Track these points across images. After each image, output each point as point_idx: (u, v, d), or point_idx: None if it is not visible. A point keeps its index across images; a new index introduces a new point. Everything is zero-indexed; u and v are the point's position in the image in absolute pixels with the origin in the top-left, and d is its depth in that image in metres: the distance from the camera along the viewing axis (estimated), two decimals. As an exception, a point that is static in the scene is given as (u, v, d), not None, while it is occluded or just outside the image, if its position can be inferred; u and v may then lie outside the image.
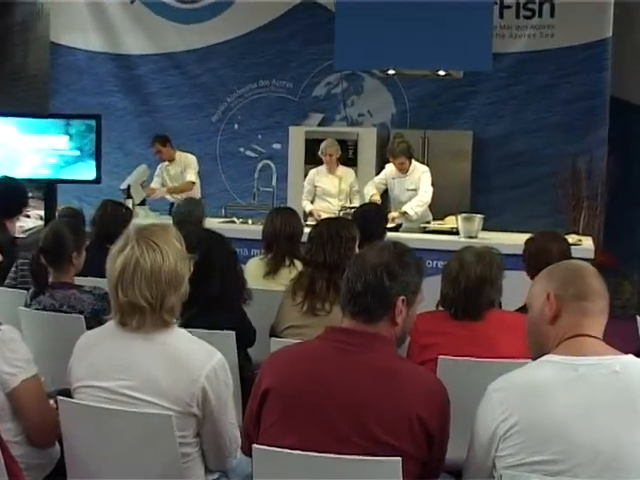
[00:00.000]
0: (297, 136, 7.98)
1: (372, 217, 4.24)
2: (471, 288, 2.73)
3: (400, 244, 2.01)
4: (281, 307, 3.30)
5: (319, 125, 8.40)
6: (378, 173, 6.78)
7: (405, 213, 6.17)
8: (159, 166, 7.45)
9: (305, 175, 7.18)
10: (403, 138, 6.50)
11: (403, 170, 6.32)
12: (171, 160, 7.36)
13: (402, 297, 1.92)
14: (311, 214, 6.67)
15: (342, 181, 6.79)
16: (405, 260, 1.95)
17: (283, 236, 3.94)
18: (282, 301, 3.31)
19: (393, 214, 6.14)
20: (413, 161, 6.38)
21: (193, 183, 7.23)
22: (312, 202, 6.80)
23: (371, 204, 5.21)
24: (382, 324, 1.91)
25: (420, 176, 6.30)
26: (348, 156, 7.59)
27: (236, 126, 8.88)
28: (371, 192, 6.37)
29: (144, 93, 9.08)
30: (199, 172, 7.38)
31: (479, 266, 2.76)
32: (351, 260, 2.00)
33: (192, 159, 7.35)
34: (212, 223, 6.08)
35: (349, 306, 1.94)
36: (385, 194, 6.58)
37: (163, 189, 7.24)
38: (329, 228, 3.28)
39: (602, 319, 1.81)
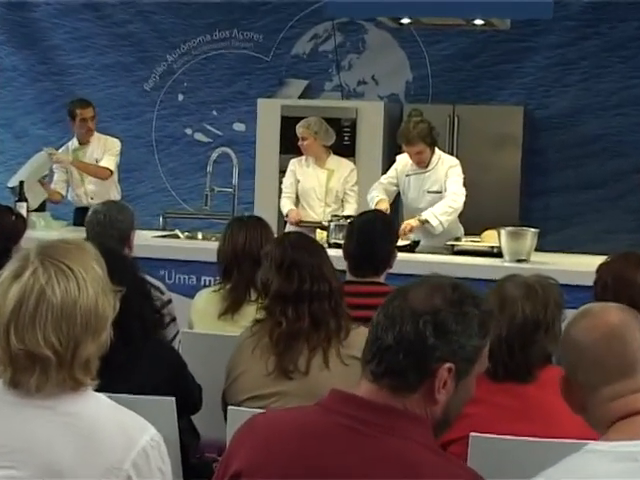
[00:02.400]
0: (269, 112, 8.02)
1: (375, 230, 4.23)
2: (517, 335, 2.76)
3: (463, 287, 2.00)
4: (235, 366, 3.31)
5: (301, 97, 8.45)
6: (387, 168, 6.80)
7: (426, 222, 6.18)
8: (62, 150, 7.35)
9: (281, 169, 7.24)
10: (422, 117, 6.53)
11: (422, 163, 6.34)
12: (85, 142, 7.35)
13: (449, 365, 1.91)
14: (287, 215, 6.75)
15: (332, 177, 6.85)
16: (465, 311, 1.94)
17: (248, 257, 3.98)
18: (236, 357, 3.33)
19: (410, 222, 6.16)
20: (437, 150, 6.40)
21: (110, 172, 7.20)
22: (297, 206, 6.88)
23: (374, 211, 5.20)
24: (416, 398, 1.92)
25: (447, 172, 6.32)
26: (343, 142, 7.62)
27: (181, 97, 8.93)
28: (377, 197, 6.40)
29: (44, 46, 9.11)
30: (119, 166, 7.36)
31: (529, 303, 2.78)
32: (388, 297, 2.00)
33: (115, 144, 7.33)
34: (144, 238, 6.12)
35: (371, 364, 1.94)
36: (397, 200, 6.63)
37: (68, 159, 7.12)
38: (288, 250, 3.35)
39: None
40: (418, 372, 1.90)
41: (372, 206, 6.30)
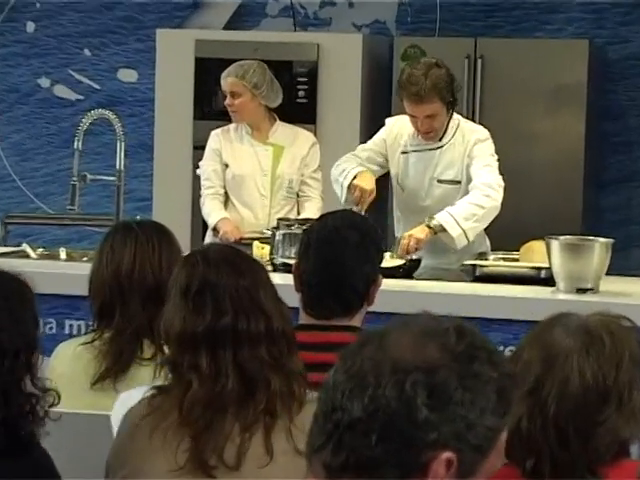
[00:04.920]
0: (176, 52, 8.08)
1: (345, 242, 4.25)
2: (572, 413, 2.80)
3: (474, 334, 2.05)
4: (121, 463, 3.30)
5: (228, 27, 8.58)
6: (367, 138, 6.85)
7: (441, 230, 6.22)
8: None
9: (197, 144, 7.33)
10: (429, 58, 6.50)
11: (432, 132, 6.43)
12: None
13: (449, 454, 1.93)
14: (216, 230, 6.83)
15: (281, 157, 6.91)
16: (477, 371, 1.99)
17: (139, 289, 4.15)
18: (123, 449, 3.32)
19: (415, 234, 6.18)
20: (455, 114, 6.48)
21: None
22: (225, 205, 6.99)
23: (344, 212, 5.17)
24: None
25: (471, 150, 6.39)
26: (297, 99, 7.73)
27: (31, 27, 8.99)
28: (353, 170, 6.38)
29: None
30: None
31: (590, 360, 2.82)
32: (351, 346, 2.04)
33: None
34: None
35: (324, 452, 1.98)
36: (383, 192, 6.73)
37: None
38: (197, 266, 3.34)
39: None
40: (401, 465, 1.93)
41: (344, 187, 6.34)
